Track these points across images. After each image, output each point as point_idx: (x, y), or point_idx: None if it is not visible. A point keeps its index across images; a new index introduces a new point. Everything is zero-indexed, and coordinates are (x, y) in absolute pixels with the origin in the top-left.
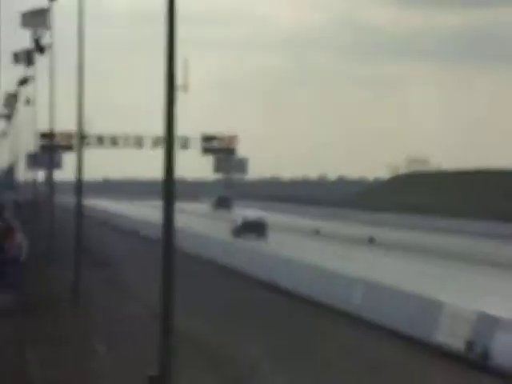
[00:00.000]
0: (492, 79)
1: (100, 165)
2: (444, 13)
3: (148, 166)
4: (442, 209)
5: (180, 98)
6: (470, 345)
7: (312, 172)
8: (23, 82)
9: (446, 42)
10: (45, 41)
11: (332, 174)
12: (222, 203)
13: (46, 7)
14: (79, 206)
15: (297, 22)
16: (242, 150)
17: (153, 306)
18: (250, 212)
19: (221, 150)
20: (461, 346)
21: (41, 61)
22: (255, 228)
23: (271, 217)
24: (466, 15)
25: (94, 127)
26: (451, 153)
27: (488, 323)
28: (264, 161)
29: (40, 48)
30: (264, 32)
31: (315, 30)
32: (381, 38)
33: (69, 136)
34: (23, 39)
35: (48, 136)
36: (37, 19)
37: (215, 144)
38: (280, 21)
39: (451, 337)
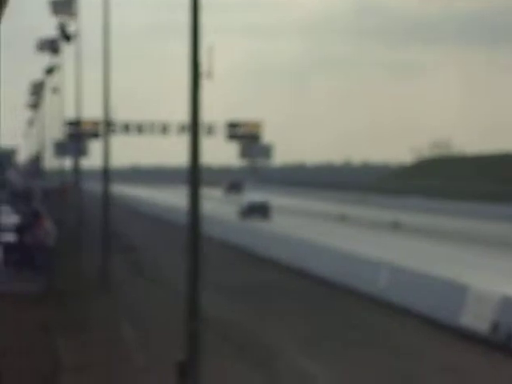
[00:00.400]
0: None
1: (127, 152)
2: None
3: (174, 152)
4: (466, 193)
5: (205, 84)
6: (495, 327)
7: (336, 157)
8: (50, 70)
9: (468, 26)
10: (71, 29)
11: (356, 159)
12: (234, 188)
13: None
14: (106, 193)
15: (320, 8)
16: (266, 137)
17: (177, 289)
18: (257, 196)
19: (246, 136)
20: (486, 328)
21: (67, 49)
22: (260, 211)
23: (296, 202)
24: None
25: (119, 114)
26: (474, 137)
27: None
28: (289, 147)
29: (66, 36)
30: (288, 18)
31: (338, 16)
32: (403, 23)
33: (95, 124)
34: (48, 29)
35: (74, 124)
36: (64, 7)
37: (240, 130)
38: (303, 7)
39: (476, 319)
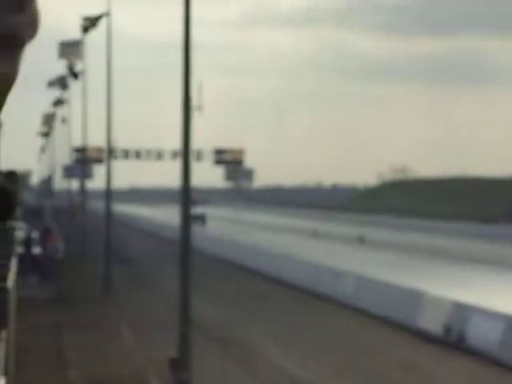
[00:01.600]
0: (464, 99)
1: (127, 175)
2: (424, 39)
3: (168, 175)
4: (423, 211)
5: (195, 116)
6: (447, 329)
7: (310, 180)
8: (58, 103)
9: (425, 66)
10: (78, 68)
11: (327, 181)
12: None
13: (79, 39)
14: (108, 211)
15: (293, 49)
16: (249, 162)
17: (170, 296)
18: (198, 209)
19: (230, 161)
20: (439, 330)
21: (74, 85)
22: (198, 219)
23: (274, 220)
24: (445, 42)
25: (120, 142)
26: (429, 162)
27: (463, 310)
28: (269, 171)
29: (74, 74)
30: (265, 58)
31: (310, 56)
32: (367, 62)
33: (99, 150)
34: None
35: (81, 150)
36: (72, 49)
37: (225, 156)
38: (279, 48)
39: (431, 322)
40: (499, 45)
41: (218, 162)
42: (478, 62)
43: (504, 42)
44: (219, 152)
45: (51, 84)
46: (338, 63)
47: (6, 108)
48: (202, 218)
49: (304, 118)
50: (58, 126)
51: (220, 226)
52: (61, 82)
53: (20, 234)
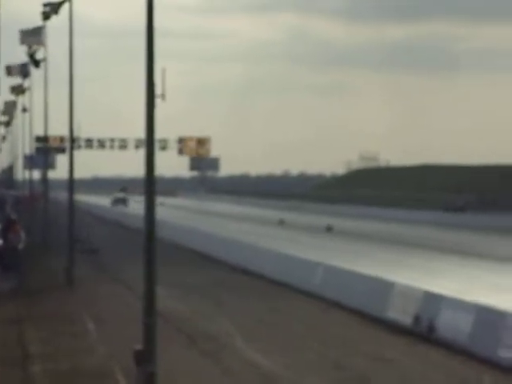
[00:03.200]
0: (430, 85)
1: (89, 164)
2: (387, 26)
3: (131, 165)
4: (391, 199)
5: (158, 104)
6: (417, 319)
7: (276, 169)
8: (19, 91)
9: (391, 52)
10: (39, 55)
11: (294, 170)
12: (122, 190)
13: (40, 26)
14: (71, 201)
15: (255, 36)
16: (214, 150)
17: (133, 286)
18: (120, 194)
19: (194, 150)
20: (409, 321)
21: (35, 72)
22: (121, 201)
23: (240, 209)
24: (406, 28)
25: (83, 131)
26: (398, 150)
27: (433, 300)
28: (234, 159)
29: (35, 62)
30: (226, 45)
31: (272, 43)
32: (330, 50)
33: (61, 139)
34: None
35: (43, 139)
36: (33, 37)
37: (190, 145)
38: (239, 35)
39: (400, 313)
40: (465, 31)
41: (183, 151)
42: (444, 48)
43: (470, 28)
44: (183, 141)
45: (9, 72)
46: (302, 50)
47: None
48: (123, 201)
49: (268, 106)
50: (18, 114)
51: (183, 216)
52: (22, 70)
53: None
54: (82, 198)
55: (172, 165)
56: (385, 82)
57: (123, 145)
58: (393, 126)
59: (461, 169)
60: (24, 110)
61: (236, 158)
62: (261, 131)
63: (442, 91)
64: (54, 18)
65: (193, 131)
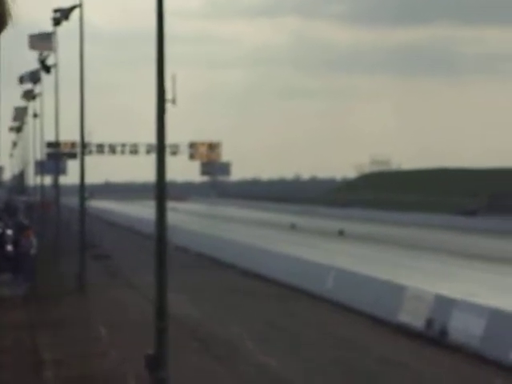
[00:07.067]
0: (437, 87)
1: (101, 170)
2: (391, 30)
3: (143, 170)
4: (402, 203)
5: (169, 109)
6: (429, 323)
7: (288, 173)
8: (30, 97)
9: (393, 56)
10: (50, 61)
11: (305, 174)
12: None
13: (51, 31)
14: (82, 207)
15: (260, 40)
16: (225, 155)
17: (146, 292)
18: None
19: (205, 155)
20: (421, 325)
21: (46, 78)
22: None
23: (252, 214)
24: (408, 32)
25: (94, 137)
26: (409, 154)
27: (445, 304)
28: (246, 164)
29: (46, 68)
30: (230, 50)
31: (276, 47)
32: (335, 53)
33: (72, 145)
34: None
35: (54, 145)
36: (42, 42)
37: (201, 150)
38: (244, 40)
39: (412, 316)
40: (470, 34)
41: (194, 156)
42: (450, 51)
43: (474, 31)
44: (195, 146)
45: (22, 80)
46: (306, 53)
47: None
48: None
49: (276, 111)
50: (29, 120)
51: (194, 221)
52: (32, 76)
53: None
54: (93, 203)
55: (183, 170)
56: (392, 86)
57: (134, 150)
58: (402, 130)
59: (473, 172)
60: (35, 115)
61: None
62: (270, 135)
63: (450, 94)
64: (64, 25)
65: (201, 136)
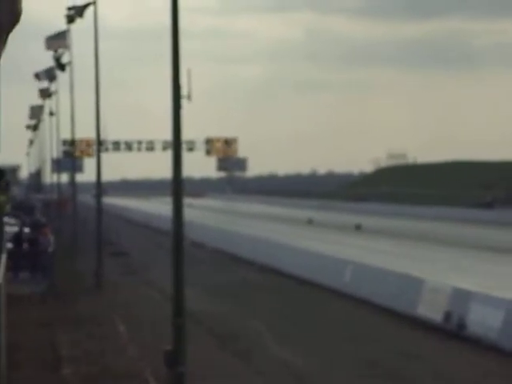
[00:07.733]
0: (453, 81)
1: (118, 167)
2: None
3: (159, 166)
4: (420, 197)
5: (184, 105)
6: (447, 316)
7: (304, 168)
8: (46, 95)
9: (408, 50)
10: (64, 59)
11: (322, 169)
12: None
13: (64, 29)
14: (99, 204)
15: (277, 35)
16: (241, 151)
17: (163, 288)
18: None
19: (222, 151)
20: (439, 318)
21: (61, 76)
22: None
23: (269, 209)
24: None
25: (110, 134)
26: (425, 147)
27: (463, 297)
28: (262, 159)
29: (61, 65)
30: (244, 46)
31: (291, 42)
32: (350, 47)
33: (88, 142)
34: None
35: (70, 143)
36: (58, 40)
37: (217, 146)
38: (261, 35)
39: (431, 309)
40: (484, 27)
41: (210, 152)
42: (466, 43)
43: (488, 24)
44: (211, 142)
45: (38, 77)
46: (321, 48)
47: None
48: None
49: (292, 105)
50: (46, 118)
51: (210, 217)
52: (48, 74)
53: (10, 229)
54: (110, 200)
55: (200, 166)
56: (406, 79)
57: (150, 147)
58: (418, 123)
59: (490, 165)
60: (51, 113)
61: (262, 158)
62: (286, 130)
63: (466, 87)
64: (77, 22)
65: (217, 132)
